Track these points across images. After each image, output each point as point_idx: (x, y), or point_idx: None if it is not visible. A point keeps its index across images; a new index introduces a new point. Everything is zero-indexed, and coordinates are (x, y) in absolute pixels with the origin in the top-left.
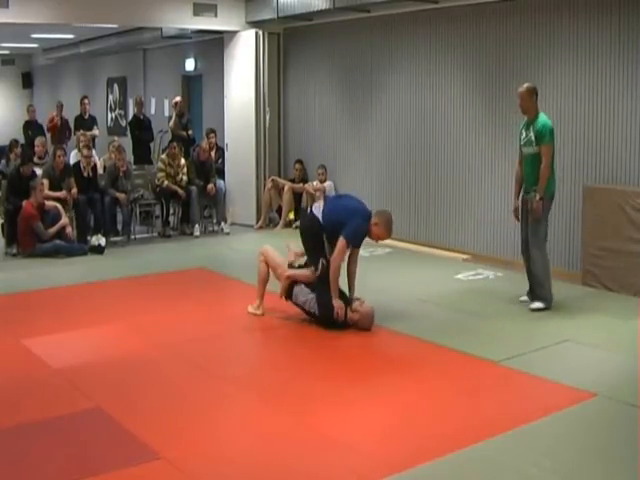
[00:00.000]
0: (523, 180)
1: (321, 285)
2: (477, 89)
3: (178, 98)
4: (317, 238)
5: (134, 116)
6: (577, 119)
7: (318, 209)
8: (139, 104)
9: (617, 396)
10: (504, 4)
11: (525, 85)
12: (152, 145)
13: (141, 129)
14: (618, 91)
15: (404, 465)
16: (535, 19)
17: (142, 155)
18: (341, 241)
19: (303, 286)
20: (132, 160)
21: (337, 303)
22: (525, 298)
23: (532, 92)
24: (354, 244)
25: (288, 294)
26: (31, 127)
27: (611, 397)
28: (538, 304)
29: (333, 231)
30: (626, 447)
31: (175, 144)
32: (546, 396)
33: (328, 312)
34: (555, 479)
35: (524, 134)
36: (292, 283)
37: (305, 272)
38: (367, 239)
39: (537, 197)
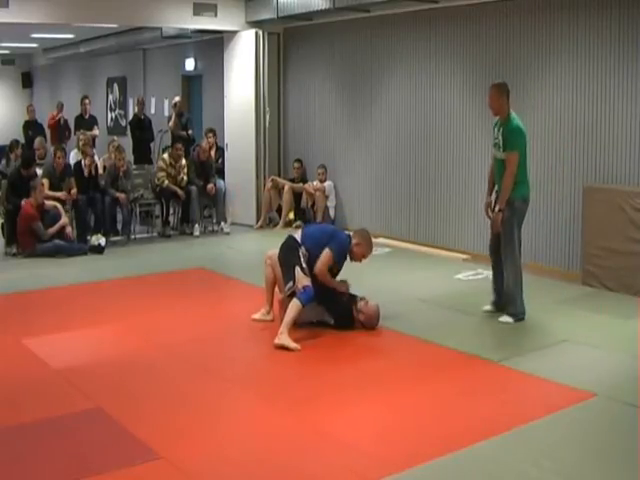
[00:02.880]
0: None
1: (324, 298)
2: (477, 89)
3: (177, 98)
4: (293, 251)
5: (135, 116)
6: (577, 119)
7: (297, 234)
8: (140, 104)
9: (617, 396)
10: (504, 3)
11: (494, 82)
12: (152, 145)
13: (142, 129)
14: (618, 91)
15: (403, 465)
16: (535, 18)
17: (142, 155)
18: (326, 252)
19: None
20: (132, 160)
21: (343, 287)
22: (489, 308)
23: (502, 89)
24: (337, 259)
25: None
26: (31, 127)
27: (611, 397)
28: (507, 319)
29: (314, 249)
30: (626, 447)
31: (180, 145)
32: (546, 396)
33: (347, 320)
34: (555, 478)
35: (495, 133)
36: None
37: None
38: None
39: (496, 209)
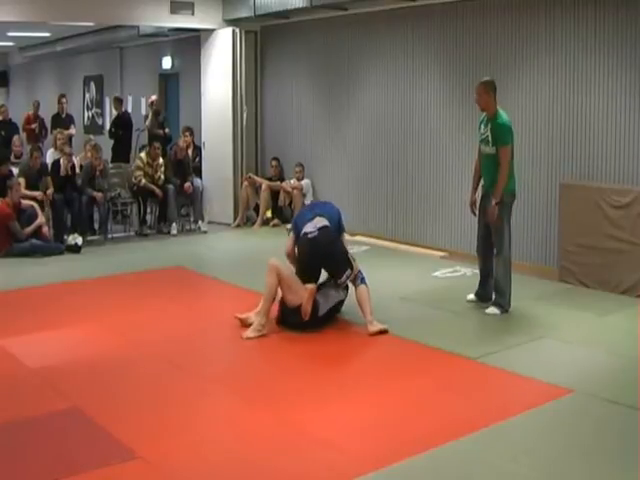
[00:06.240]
0: (481, 177)
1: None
2: (454, 87)
3: (154, 96)
4: (338, 240)
5: (117, 115)
6: (553, 116)
7: (325, 222)
8: (116, 101)
9: (594, 392)
10: (481, 1)
11: (482, 79)
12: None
13: (121, 126)
14: (593, 88)
15: (382, 462)
16: (512, 16)
17: (121, 153)
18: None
19: (324, 292)
20: (110, 158)
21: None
22: (472, 297)
23: (489, 87)
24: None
25: (314, 313)
26: (5, 127)
27: (588, 393)
28: (494, 310)
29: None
30: (603, 442)
31: (157, 144)
32: (523, 393)
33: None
34: (533, 475)
35: (482, 130)
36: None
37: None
38: None
39: (493, 202)
